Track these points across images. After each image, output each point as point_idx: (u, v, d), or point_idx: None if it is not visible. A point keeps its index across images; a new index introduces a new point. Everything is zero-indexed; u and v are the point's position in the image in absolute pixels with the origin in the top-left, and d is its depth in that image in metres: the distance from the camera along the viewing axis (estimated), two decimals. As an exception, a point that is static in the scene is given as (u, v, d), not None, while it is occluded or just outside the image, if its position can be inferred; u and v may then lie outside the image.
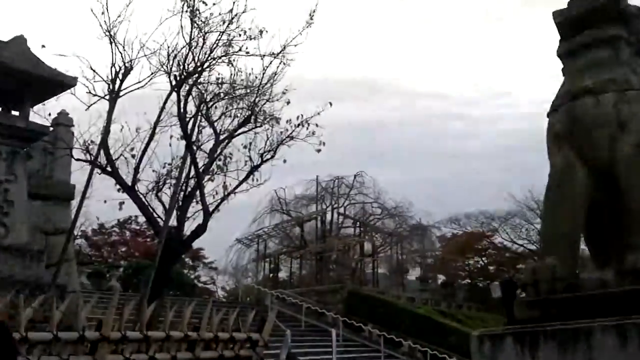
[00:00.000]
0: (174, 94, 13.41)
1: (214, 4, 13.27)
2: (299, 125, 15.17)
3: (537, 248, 42.65)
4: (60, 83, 10.43)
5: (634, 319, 4.31)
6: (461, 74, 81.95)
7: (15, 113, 10.23)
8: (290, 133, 15.23)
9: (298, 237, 40.00)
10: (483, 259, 47.14)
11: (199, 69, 13.60)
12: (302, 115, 15.15)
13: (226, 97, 14.89)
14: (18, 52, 9.76)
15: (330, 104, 15.37)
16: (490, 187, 64.90)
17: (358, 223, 41.14)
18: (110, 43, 12.30)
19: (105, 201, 14.34)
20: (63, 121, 14.09)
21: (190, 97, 14.13)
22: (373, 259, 40.78)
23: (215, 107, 14.92)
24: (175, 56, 13.37)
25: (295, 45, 14.55)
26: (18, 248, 9.51)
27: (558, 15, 5.98)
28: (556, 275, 5.20)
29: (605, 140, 5.42)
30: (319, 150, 15.41)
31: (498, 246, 46.07)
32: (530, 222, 42.92)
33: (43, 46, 10.65)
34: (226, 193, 14.86)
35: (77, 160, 13.19)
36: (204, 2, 13.21)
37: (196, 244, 16.48)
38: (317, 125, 15.14)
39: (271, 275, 40.46)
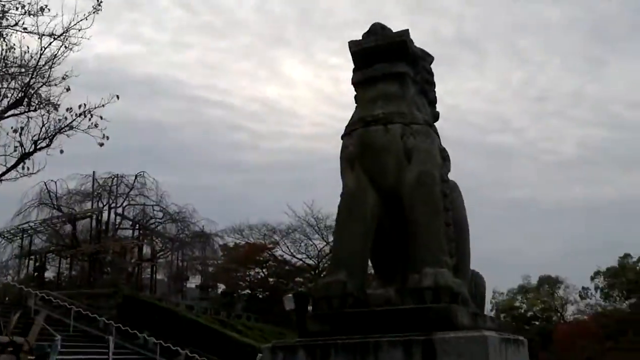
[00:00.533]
0: None
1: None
2: (80, 114, 14.28)
3: (314, 263, 45.18)
4: None
5: (417, 335, 4.67)
6: (248, 88, 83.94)
7: None
8: (71, 122, 14.31)
9: (69, 235, 37.01)
10: (264, 270, 48.33)
11: (-37, 37, 12.06)
12: (84, 105, 14.31)
13: (-5, 74, 13.46)
14: None
15: (118, 97, 14.69)
16: (274, 201, 67.24)
17: (137, 225, 39.45)
18: None
19: None
20: None
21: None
22: (152, 264, 39.41)
23: (-19, 83, 13.41)
24: None
25: (79, 30, 13.81)
26: None
27: (353, 46, 6.19)
28: (347, 290, 5.40)
29: (393, 166, 5.77)
30: (101, 144, 14.61)
31: (278, 259, 47.64)
32: (309, 237, 45.19)
33: None
34: (-11, 180, 13.33)
35: None
36: None
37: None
38: (101, 117, 14.35)
39: (36, 274, 36.77)
